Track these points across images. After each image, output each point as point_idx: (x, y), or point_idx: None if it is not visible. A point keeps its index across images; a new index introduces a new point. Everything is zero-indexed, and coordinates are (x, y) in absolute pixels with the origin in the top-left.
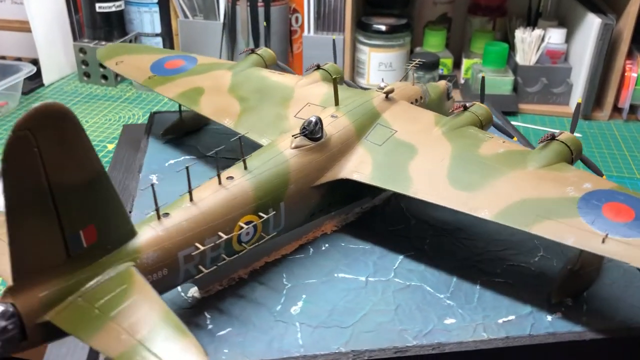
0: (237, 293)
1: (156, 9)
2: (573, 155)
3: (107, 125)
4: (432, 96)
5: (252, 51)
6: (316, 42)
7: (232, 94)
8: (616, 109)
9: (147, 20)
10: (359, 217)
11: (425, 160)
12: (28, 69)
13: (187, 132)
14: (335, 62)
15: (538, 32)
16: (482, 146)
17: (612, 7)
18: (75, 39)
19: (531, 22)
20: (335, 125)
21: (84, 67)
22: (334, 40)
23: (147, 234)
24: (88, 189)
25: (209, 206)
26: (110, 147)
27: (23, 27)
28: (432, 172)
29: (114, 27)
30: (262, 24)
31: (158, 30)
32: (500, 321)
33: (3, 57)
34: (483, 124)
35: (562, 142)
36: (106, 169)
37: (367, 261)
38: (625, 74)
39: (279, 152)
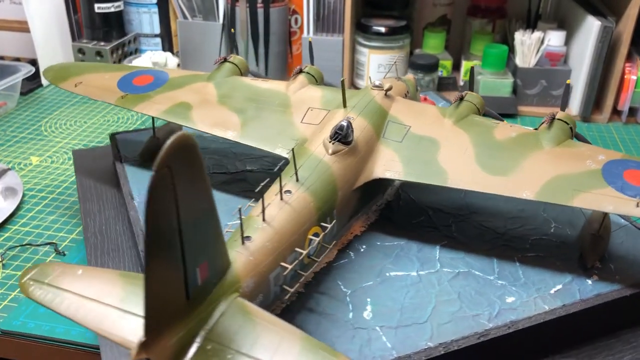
0: (305, 307)
1: (155, 9)
2: (573, 132)
3: (106, 126)
4: (410, 90)
5: (225, 60)
6: (316, 43)
7: (224, 105)
8: (615, 112)
9: (146, 20)
10: (380, 215)
11: (450, 151)
12: (27, 70)
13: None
14: (312, 64)
15: (537, 34)
16: (494, 132)
17: (611, 9)
18: (74, 39)
19: (531, 24)
20: (355, 127)
21: None
22: (310, 42)
23: (240, 261)
24: (204, 223)
25: (281, 224)
26: None
27: (22, 27)
28: (462, 162)
29: (113, 27)
30: (237, 30)
31: (157, 31)
32: (552, 292)
33: (1, 58)
34: (480, 112)
35: (564, 120)
36: (75, 199)
37: (409, 256)
38: (625, 76)
39: (319, 159)
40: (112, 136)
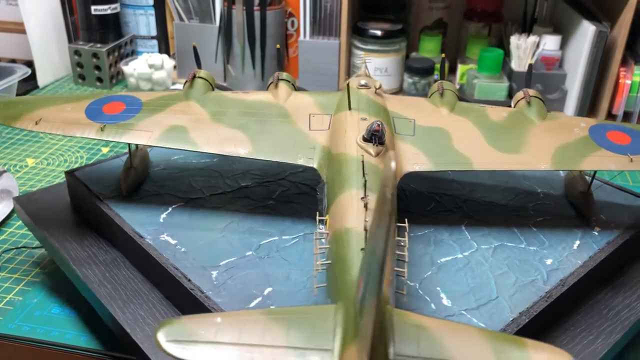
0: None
1: (152, 11)
2: (545, 107)
3: None
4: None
5: (195, 76)
6: (312, 46)
7: (220, 123)
8: (610, 116)
9: (143, 22)
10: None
11: (462, 137)
12: (23, 71)
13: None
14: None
15: (533, 38)
16: (488, 114)
17: (606, 14)
18: (70, 41)
19: (526, 28)
20: (368, 124)
21: (79, 69)
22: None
23: None
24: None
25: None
26: (105, 150)
27: (18, 28)
28: (476, 145)
29: (110, 29)
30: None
31: (153, 33)
32: (575, 247)
33: None
34: (458, 98)
35: (538, 97)
36: (55, 247)
37: (446, 241)
38: (620, 80)
39: (370, 163)
40: (70, 174)
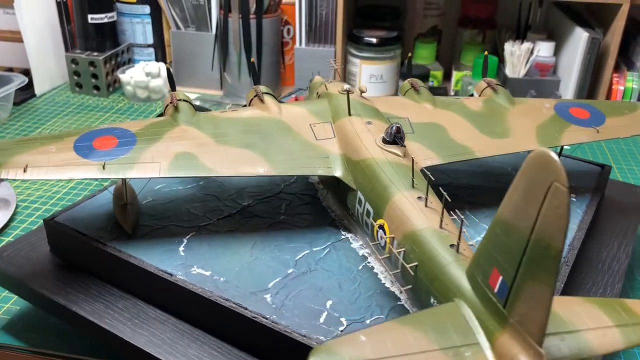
0: None
1: (148, 20)
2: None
3: None
4: None
5: (176, 100)
6: (308, 54)
7: (226, 144)
8: None
9: (139, 31)
10: None
11: (456, 129)
12: (20, 80)
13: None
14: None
15: (527, 45)
16: (467, 105)
17: (599, 21)
18: (67, 49)
19: (520, 35)
20: (380, 128)
21: (75, 77)
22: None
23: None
24: None
25: (451, 226)
26: None
27: (15, 37)
28: (472, 135)
29: (107, 38)
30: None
31: (150, 41)
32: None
33: None
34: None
35: (500, 85)
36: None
37: (481, 225)
38: (613, 86)
39: (402, 164)
40: (50, 221)
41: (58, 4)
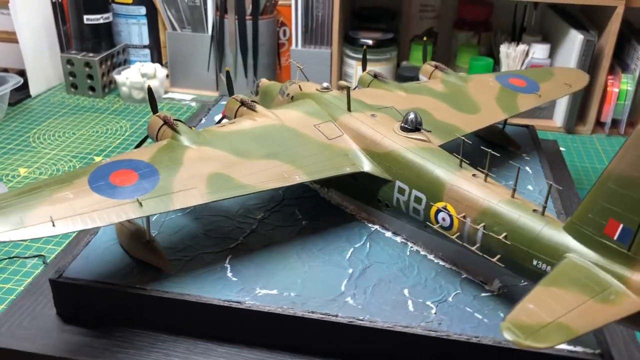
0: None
1: (144, 21)
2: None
3: (95, 137)
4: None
5: (170, 119)
6: (304, 55)
7: (251, 158)
8: (599, 124)
9: (135, 32)
10: None
11: (438, 112)
12: (15, 81)
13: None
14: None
15: (522, 47)
16: (433, 88)
17: (594, 23)
18: (62, 50)
19: (516, 37)
20: (386, 118)
21: (71, 78)
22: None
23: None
24: None
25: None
26: (98, 159)
27: (10, 37)
28: (453, 115)
29: (102, 38)
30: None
31: (146, 42)
32: (531, 172)
33: None
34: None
35: (444, 66)
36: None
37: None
38: (607, 89)
39: (434, 148)
40: (57, 279)
41: (53, 5)
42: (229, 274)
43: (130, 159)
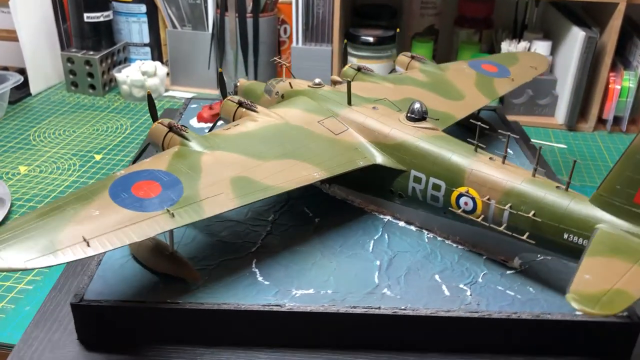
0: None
1: (145, 19)
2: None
3: (95, 135)
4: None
5: (177, 127)
6: (305, 53)
7: (268, 159)
8: (600, 121)
9: (136, 30)
10: None
11: (427, 100)
12: (15, 79)
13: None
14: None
15: (524, 44)
16: (416, 78)
17: (595, 20)
18: (63, 48)
19: (517, 34)
20: (387, 110)
21: (71, 76)
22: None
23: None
24: None
25: None
26: (98, 157)
27: (10, 36)
28: (442, 103)
29: (102, 36)
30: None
31: (146, 40)
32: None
33: None
34: None
35: (422, 57)
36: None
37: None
38: (609, 86)
39: (443, 135)
40: (79, 303)
41: (54, 3)
42: (260, 278)
43: (147, 169)
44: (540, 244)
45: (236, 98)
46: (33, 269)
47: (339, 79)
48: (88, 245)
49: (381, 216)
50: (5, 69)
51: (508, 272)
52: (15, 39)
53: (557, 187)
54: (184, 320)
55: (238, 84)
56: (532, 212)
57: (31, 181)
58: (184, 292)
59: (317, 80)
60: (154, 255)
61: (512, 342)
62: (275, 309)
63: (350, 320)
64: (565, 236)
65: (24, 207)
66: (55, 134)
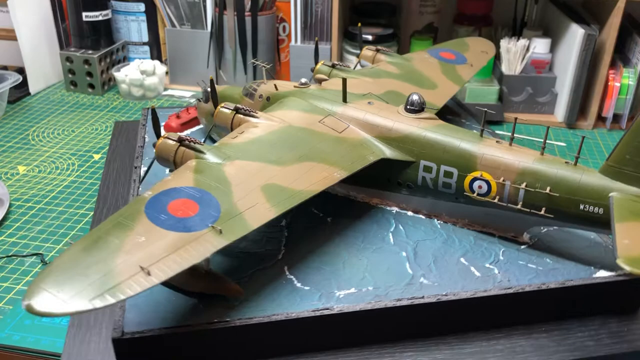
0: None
1: (143, 17)
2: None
3: (94, 134)
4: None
5: (189, 141)
6: (303, 51)
7: (288, 164)
8: (600, 118)
9: (135, 29)
10: None
11: (405, 91)
12: (14, 78)
13: None
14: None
15: (523, 42)
16: (388, 71)
17: (595, 17)
18: (61, 47)
19: (516, 32)
20: (382, 104)
21: (70, 75)
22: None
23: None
24: None
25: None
26: (97, 157)
27: (9, 35)
28: (418, 90)
29: (101, 35)
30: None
31: (145, 39)
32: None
33: None
34: None
35: (387, 49)
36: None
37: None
38: (609, 83)
39: (444, 124)
40: (120, 338)
41: (52, 2)
42: (298, 284)
43: (175, 187)
44: (557, 217)
45: (232, 105)
46: (100, 308)
47: (324, 77)
48: (149, 274)
49: (388, 208)
50: (4, 68)
51: (522, 247)
52: (14, 38)
53: (566, 162)
54: (235, 338)
55: (208, 89)
56: (548, 188)
57: (30, 181)
58: (228, 310)
59: (303, 80)
60: (189, 277)
61: (543, 311)
62: (326, 312)
63: (399, 313)
64: (582, 207)
65: (23, 207)
66: (55, 134)
